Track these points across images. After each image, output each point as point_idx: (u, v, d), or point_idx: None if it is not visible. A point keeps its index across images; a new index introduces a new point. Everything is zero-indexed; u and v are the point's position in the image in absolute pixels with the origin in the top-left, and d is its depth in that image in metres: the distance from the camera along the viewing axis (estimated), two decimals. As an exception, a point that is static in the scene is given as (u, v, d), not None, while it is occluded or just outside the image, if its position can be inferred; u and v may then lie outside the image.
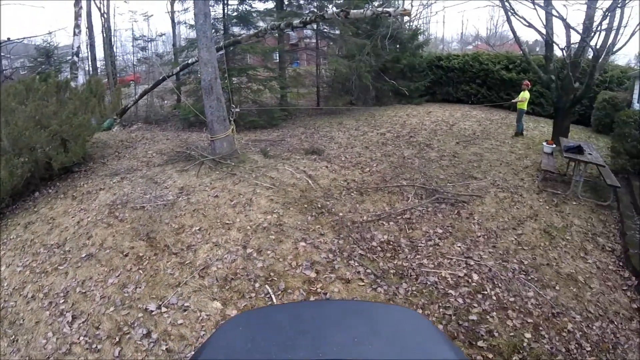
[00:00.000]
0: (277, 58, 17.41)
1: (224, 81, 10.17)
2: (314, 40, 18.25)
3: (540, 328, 4.34)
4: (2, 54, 17.08)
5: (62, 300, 5.01)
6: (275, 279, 5.03)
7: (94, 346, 4.36)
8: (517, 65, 16.25)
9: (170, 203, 6.69)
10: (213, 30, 11.60)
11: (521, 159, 9.32)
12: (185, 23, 16.61)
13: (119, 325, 4.53)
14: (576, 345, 4.14)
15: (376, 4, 7.86)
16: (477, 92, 17.28)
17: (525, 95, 11.47)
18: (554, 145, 9.19)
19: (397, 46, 17.09)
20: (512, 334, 4.26)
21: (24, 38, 21.22)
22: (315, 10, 16.32)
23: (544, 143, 9.28)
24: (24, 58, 24.63)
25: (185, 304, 4.69)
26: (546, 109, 15.27)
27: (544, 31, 9.77)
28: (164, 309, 4.66)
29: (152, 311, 4.64)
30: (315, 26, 17.05)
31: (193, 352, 2.43)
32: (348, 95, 16.75)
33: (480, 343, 4.13)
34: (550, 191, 7.57)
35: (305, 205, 6.77)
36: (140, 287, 5.00)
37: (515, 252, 5.71)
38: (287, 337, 1.90)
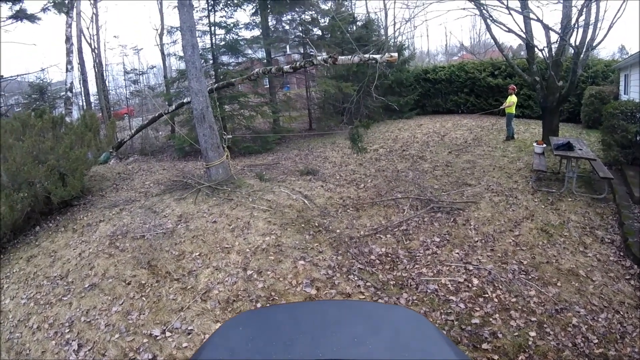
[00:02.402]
0: (267, 83, 17.68)
1: (216, 109, 10.33)
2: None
3: (545, 325, 4.36)
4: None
5: (68, 330, 5.05)
6: (277, 298, 5.07)
7: None
8: (502, 70, 16.47)
9: (169, 231, 6.76)
10: (202, 61, 11.83)
11: (514, 162, 9.43)
12: (174, 55, 16.90)
13: (125, 352, 4.57)
14: (582, 339, 4.16)
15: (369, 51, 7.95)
16: (465, 101, 17.52)
17: (512, 99, 11.67)
18: (545, 145, 9.32)
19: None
20: (516, 333, 4.28)
21: (18, 75, 21.51)
22: (301, 34, 16.66)
23: (535, 144, 9.41)
24: (18, 95, 24.87)
25: (189, 328, 4.74)
26: (535, 110, 15.39)
27: (523, 35, 10.01)
28: (168, 334, 4.70)
29: (156, 336, 4.69)
30: (302, 50, 17.37)
31: (195, 351, 2.45)
32: (339, 115, 16.95)
33: (484, 345, 4.15)
34: (544, 190, 7.66)
35: (303, 225, 6.84)
36: (144, 314, 5.04)
37: (513, 253, 5.76)
38: (287, 337, 1.90)
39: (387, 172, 9.55)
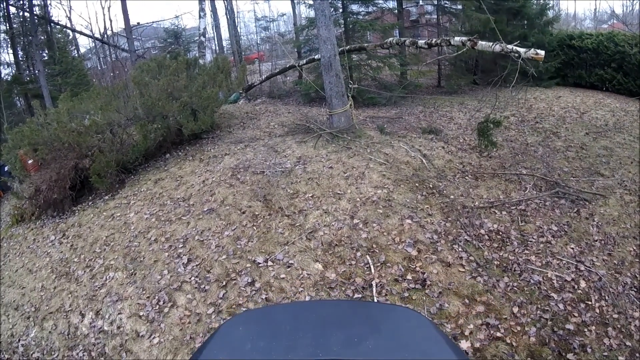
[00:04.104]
0: (397, 35, 17.12)
1: (343, 58, 10.32)
2: (435, 16, 17.60)
3: (637, 354, 3.99)
4: (133, 36, 19.08)
5: (181, 245, 5.67)
6: (377, 251, 5.17)
7: (202, 286, 4.95)
8: None
9: (287, 170, 7.08)
10: (332, 9, 11.76)
11: None
12: (304, 3, 16.99)
13: (228, 272, 5.07)
14: None
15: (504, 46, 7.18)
16: (612, 77, 15.22)
17: None
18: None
19: (524, 22, 15.77)
20: (605, 353, 3.97)
21: (153, 22, 23.67)
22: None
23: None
24: (154, 39, 27.40)
25: (290, 261, 5.07)
26: None
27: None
28: (270, 263, 5.09)
29: (259, 263, 5.10)
30: (436, 1, 16.44)
31: (195, 351, 2.57)
32: (471, 74, 15.91)
33: (569, 356, 3.92)
34: (683, 202, 6.62)
35: (417, 184, 6.73)
36: (252, 242, 5.48)
37: (631, 264, 5.17)
38: (287, 337, 1.90)
39: (515, 144, 8.95)
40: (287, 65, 14.93)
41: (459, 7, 15.25)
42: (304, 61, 13.62)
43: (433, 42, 9.01)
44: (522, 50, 7.13)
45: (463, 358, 1.88)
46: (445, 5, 16.20)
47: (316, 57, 12.00)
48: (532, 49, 7.05)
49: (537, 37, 15.63)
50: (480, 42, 7.75)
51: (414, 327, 2.05)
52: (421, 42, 9.31)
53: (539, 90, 14.57)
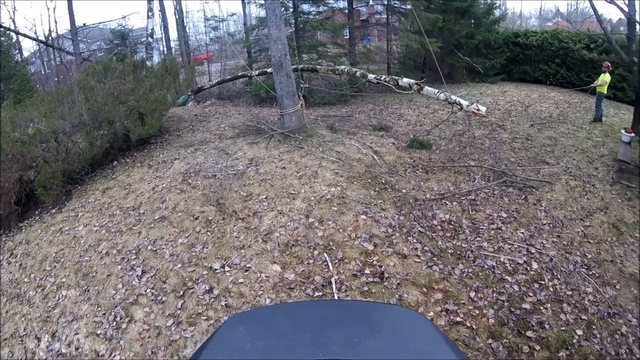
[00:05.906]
0: (348, 34, 17.28)
1: (294, 58, 10.31)
2: (385, 16, 17.90)
3: (593, 327, 4.23)
4: (79, 38, 18.31)
5: (134, 257, 5.48)
6: (334, 248, 5.20)
7: (159, 298, 4.79)
8: (599, 45, 14.74)
9: (240, 173, 7.00)
10: (282, 9, 11.74)
11: (597, 147, 8.68)
12: (255, 2, 16.86)
13: (184, 281, 4.93)
14: (627, 350, 4.03)
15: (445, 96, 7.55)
16: (555, 72, 16.05)
17: (605, 78, 10.50)
18: (633, 135, 8.39)
19: (472, 21, 16.32)
20: (563, 328, 4.19)
21: (99, 23, 22.79)
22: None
23: (622, 131, 8.51)
24: (100, 41, 26.34)
25: (247, 265, 5.00)
26: (628, 94, 13.73)
27: (626, 8, 8.90)
28: (227, 269, 5.00)
29: (216, 270, 5.00)
30: (385, 1, 16.71)
31: (194, 352, 2.57)
32: (419, 72, 16.31)
33: (529, 333, 4.11)
34: (624, 184, 7.07)
35: (369, 180, 6.82)
36: (207, 248, 5.36)
37: (579, 244, 5.49)
38: (287, 337, 1.90)
39: (463, 137, 9.21)
40: (240, 74, 14.80)
41: (408, 7, 15.56)
42: (257, 72, 13.53)
43: (382, 78, 9.32)
44: (464, 103, 7.52)
45: (463, 358, 1.88)
46: (395, 5, 16.48)
47: (269, 70, 11.96)
48: (475, 104, 7.43)
49: (483, 35, 16.27)
50: (426, 87, 8.15)
51: (413, 327, 2.06)
52: (371, 76, 9.57)
53: (485, 86, 15.08)
